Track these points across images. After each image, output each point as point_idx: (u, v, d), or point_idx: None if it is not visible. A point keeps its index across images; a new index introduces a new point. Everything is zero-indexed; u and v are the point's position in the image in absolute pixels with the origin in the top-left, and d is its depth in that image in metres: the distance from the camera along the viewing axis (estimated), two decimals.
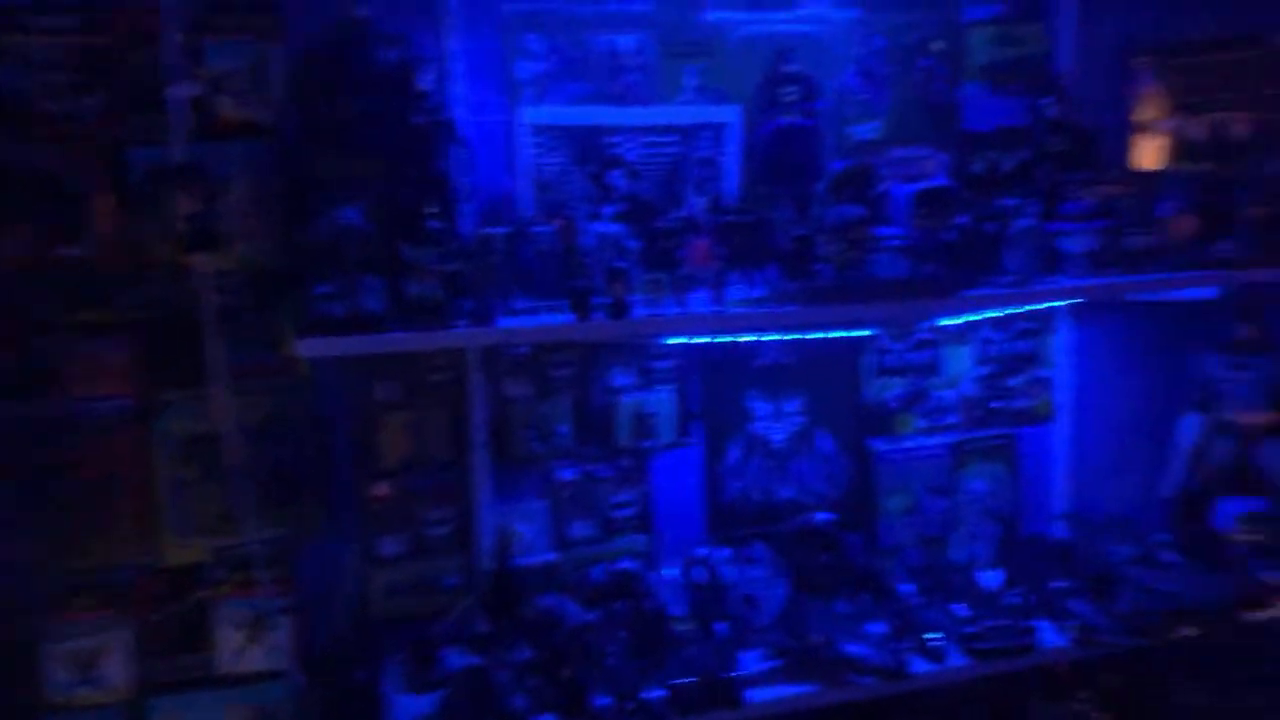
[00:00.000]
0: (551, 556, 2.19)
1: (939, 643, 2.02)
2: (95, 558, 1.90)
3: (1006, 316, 2.45)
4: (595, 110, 2.10)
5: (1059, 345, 2.51)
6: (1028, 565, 2.29)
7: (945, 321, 2.39)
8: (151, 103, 1.78)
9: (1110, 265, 2.14)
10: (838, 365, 2.37)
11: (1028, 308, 2.36)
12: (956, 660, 2.04)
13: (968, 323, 2.44)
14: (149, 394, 1.89)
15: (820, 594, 2.15)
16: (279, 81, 1.86)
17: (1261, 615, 2.18)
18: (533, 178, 2.07)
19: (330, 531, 2.03)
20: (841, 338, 2.34)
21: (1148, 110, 2.43)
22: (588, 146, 2.09)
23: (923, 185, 2.03)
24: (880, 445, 2.39)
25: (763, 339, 2.28)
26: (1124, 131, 2.48)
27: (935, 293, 1.99)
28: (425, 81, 1.90)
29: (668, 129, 2.14)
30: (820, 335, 2.29)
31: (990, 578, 2.31)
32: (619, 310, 1.80)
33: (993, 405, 2.50)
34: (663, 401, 2.24)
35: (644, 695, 1.85)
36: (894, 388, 2.41)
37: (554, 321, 1.83)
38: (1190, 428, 2.38)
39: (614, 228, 1.93)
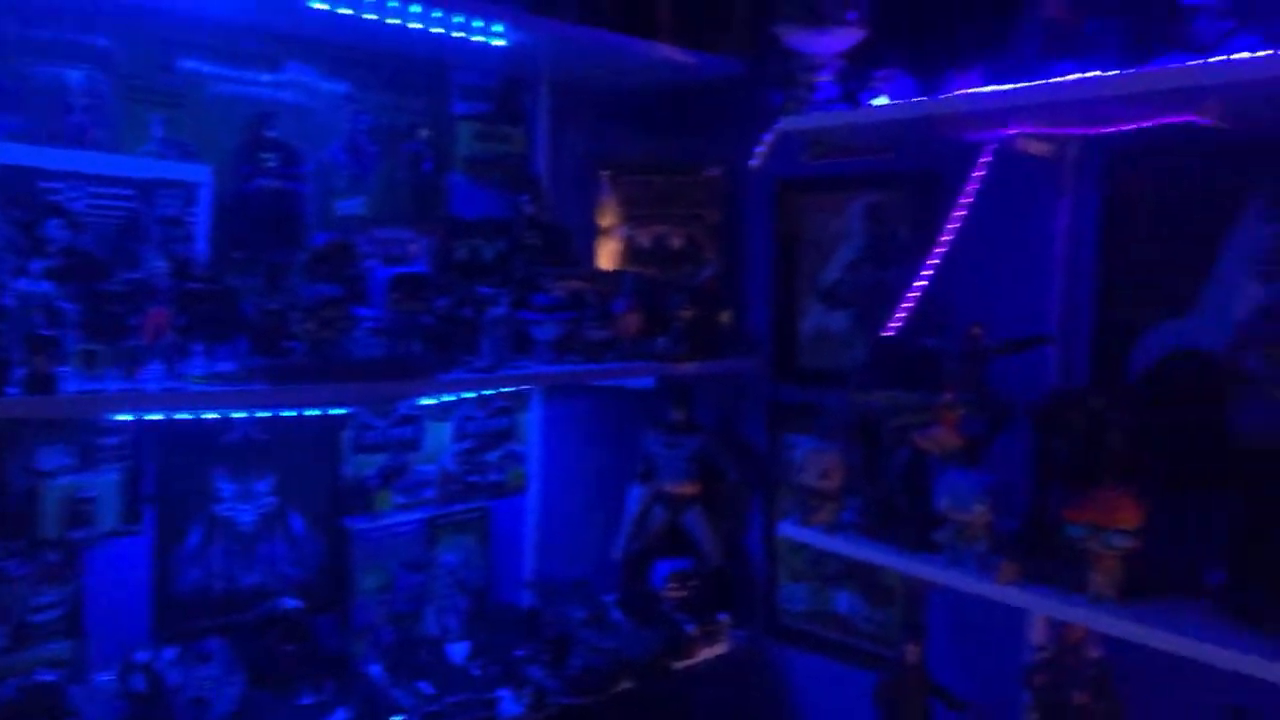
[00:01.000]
0: None
1: None
2: None
3: (486, 395, 2.58)
4: (31, 150, 1.83)
5: (531, 422, 2.71)
6: (495, 635, 2.40)
7: (425, 401, 2.45)
8: None
9: (573, 353, 2.36)
10: (314, 442, 2.30)
11: (500, 390, 2.51)
12: None
13: (450, 401, 2.52)
14: None
15: (283, 686, 2.03)
16: None
17: (688, 663, 2.53)
18: None
19: None
20: (318, 414, 2.27)
21: (607, 217, 2.76)
22: (19, 191, 1.81)
23: (398, 270, 2.07)
24: (357, 523, 2.35)
25: (230, 415, 2.13)
26: (591, 233, 2.79)
27: (409, 374, 2.02)
28: None
29: (124, 181, 1.93)
30: (294, 413, 2.21)
31: (460, 650, 2.38)
32: (40, 384, 1.55)
33: (470, 479, 2.61)
34: (106, 484, 1.98)
35: None
36: (373, 464, 2.40)
37: None
38: (635, 497, 2.70)
39: (43, 286, 1.67)
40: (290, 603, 2.14)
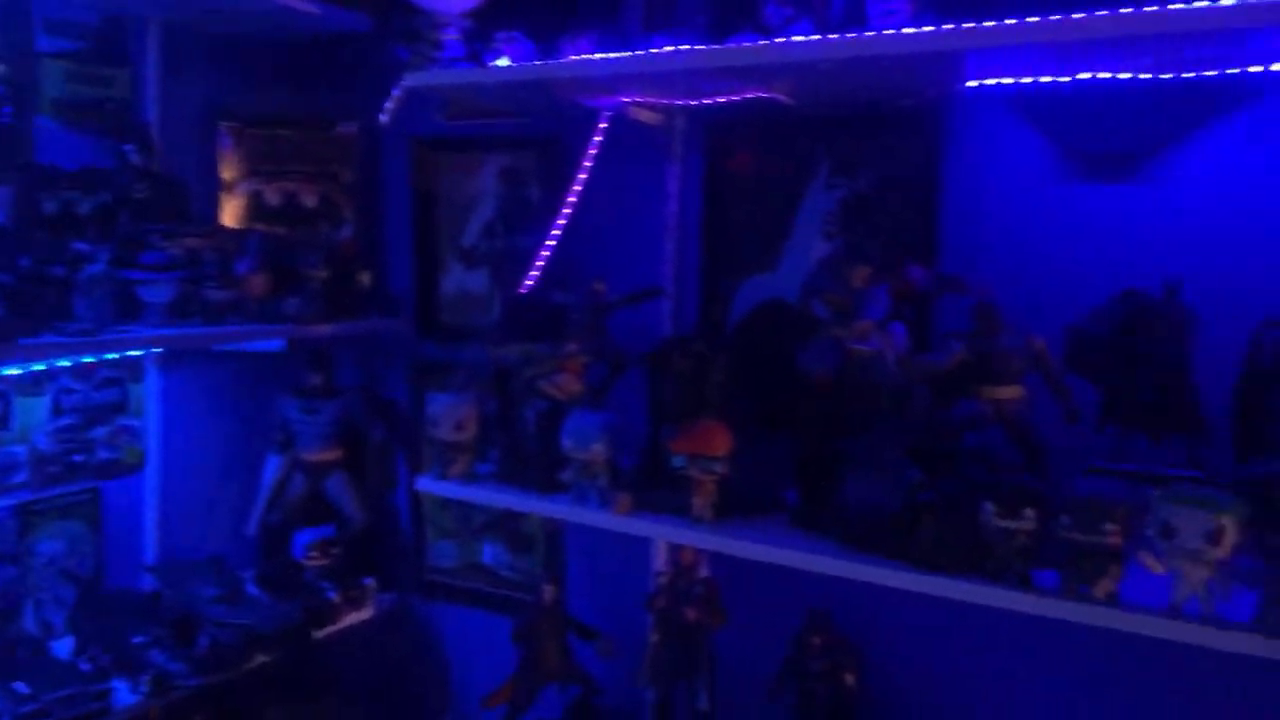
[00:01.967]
0: None
1: None
2: None
3: (89, 365, 2.33)
4: None
5: (148, 393, 2.49)
6: (109, 624, 2.19)
7: (8, 371, 2.17)
8: None
9: (191, 316, 2.20)
10: None
11: (105, 356, 2.28)
12: None
13: (43, 371, 2.25)
14: None
15: None
16: None
17: (331, 630, 2.47)
18: None
19: None
20: None
21: (229, 172, 2.59)
22: None
23: None
24: None
25: None
26: (213, 189, 2.60)
27: None
28: None
29: None
30: None
31: (67, 645, 2.15)
32: None
33: (74, 459, 2.35)
34: None
35: None
36: None
37: None
38: (272, 467, 2.58)
39: None
40: None
